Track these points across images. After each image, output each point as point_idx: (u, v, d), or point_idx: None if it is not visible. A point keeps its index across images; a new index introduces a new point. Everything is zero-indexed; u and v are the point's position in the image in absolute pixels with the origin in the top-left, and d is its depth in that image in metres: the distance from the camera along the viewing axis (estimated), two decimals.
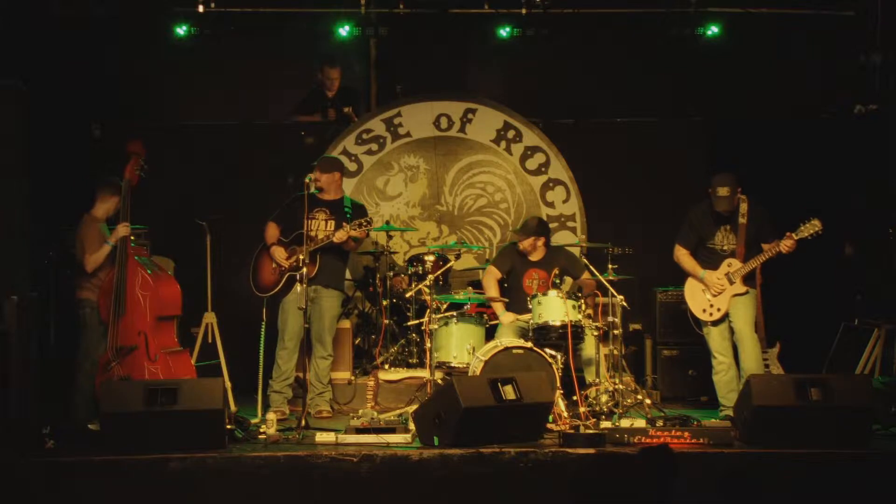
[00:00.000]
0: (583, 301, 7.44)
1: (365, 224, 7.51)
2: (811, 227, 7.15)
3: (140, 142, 7.36)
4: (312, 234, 7.57)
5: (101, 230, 7.32)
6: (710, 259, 7.43)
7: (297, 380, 7.81)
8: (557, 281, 7.57)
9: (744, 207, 7.35)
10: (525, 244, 7.91)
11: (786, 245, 7.18)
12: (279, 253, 7.66)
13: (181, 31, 9.18)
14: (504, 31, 9.39)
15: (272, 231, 7.77)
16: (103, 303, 7.10)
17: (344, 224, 7.52)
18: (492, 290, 7.95)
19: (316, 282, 7.56)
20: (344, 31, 9.33)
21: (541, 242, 7.94)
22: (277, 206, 7.87)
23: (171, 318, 7.23)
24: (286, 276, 7.61)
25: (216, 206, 8.49)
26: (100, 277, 7.26)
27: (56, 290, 7.78)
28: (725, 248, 7.39)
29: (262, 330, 7.78)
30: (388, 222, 9.22)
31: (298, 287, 7.35)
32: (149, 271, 7.11)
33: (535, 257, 7.96)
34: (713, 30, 9.34)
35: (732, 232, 7.38)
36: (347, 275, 9.36)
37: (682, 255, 7.51)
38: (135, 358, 6.95)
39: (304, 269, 7.21)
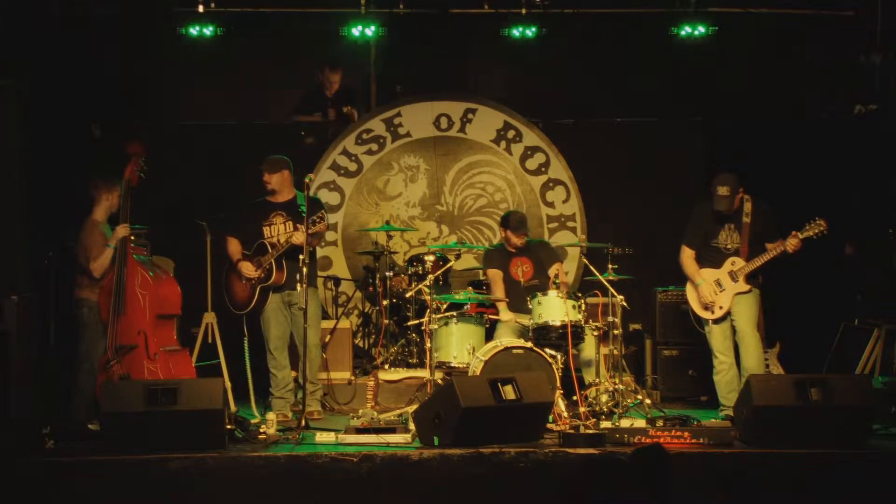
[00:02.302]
0: (555, 284, 7.44)
1: (318, 220, 7.24)
2: (816, 227, 7.15)
3: (140, 142, 7.33)
4: (273, 240, 7.48)
5: (103, 233, 7.31)
6: (714, 258, 7.42)
7: (295, 380, 7.80)
8: (557, 281, 7.57)
9: (748, 206, 7.34)
10: (523, 241, 7.94)
11: (791, 244, 7.18)
12: (247, 268, 7.50)
13: (181, 31, 9.18)
14: (504, 32, 9.39)
15: (234, 246, 7.61)
16: (103, 302, 7.09)
17: (298, 226, 7.34)
18: (500, 291, 7.95)
19: (288, 286, 7.46)
20: (370, 31, 9.30)
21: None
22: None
23: (170, 318, 7.22)
24: (258, 288, 7.49)
25: (216, 206, 8.48)
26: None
27: (56, 290, 7.78)
28: (729, 246, 7.38)
29: (245, 344, 7.70)
30: (388, 222, 9.22)
31: (299, 287, 7.24)
32: (149, 271, 7.10)
33: (515, 249, 8.02)
34: (713, 30, 9.34)
35: (737, 231, 7.37)
36: (347, 275, 9.39)
37: (686, 258, 7.49)
38: (134, 357, 6.94)
39: (305, 270, 7.06)
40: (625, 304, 7.53)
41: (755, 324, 7.35)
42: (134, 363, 6.93)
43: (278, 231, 7.52)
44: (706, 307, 7.38)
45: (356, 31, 9.30)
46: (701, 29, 9.31)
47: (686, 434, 6.39)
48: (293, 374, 7.75)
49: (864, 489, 5.97)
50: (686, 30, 9.31)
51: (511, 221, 8.03)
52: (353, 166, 9.66)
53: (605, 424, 6.66)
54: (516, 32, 9.35)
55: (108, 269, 7.18)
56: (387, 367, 8.35)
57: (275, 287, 7.48)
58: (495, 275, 8.01)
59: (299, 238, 7.25)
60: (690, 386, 8.50)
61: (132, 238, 7.27)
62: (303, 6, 9.49)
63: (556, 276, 7.66)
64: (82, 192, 7.54)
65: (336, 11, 9.39)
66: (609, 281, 7.54)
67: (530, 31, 9.33)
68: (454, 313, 7.71)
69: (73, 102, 8.73)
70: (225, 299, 7.67)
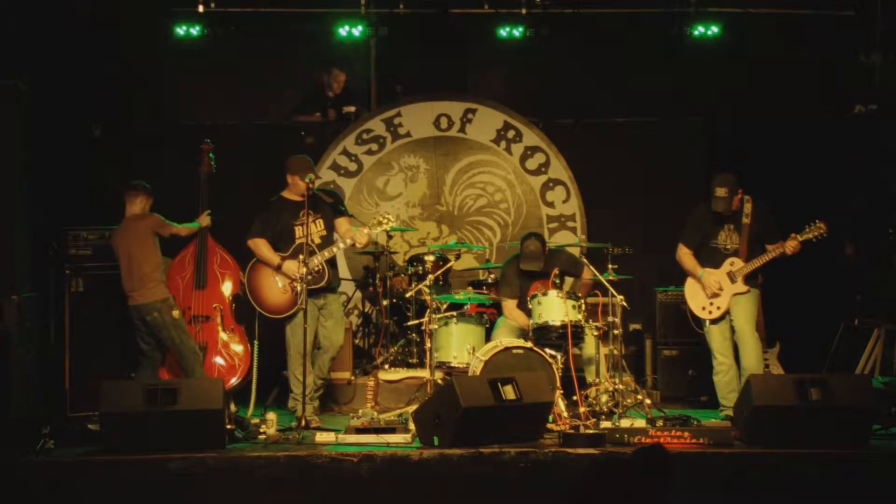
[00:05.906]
0: (582, 301, 7.41)
1: (385, 221, 7.23)
2: (816, 230, 7.15)
3: (208, 142, 7.88)
4: (303, 239, 7.22)
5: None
6: (713, 258, 7.42)
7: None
8: (557, 281, 7.56)
9: (748, 207, 7.34)
10: (537, 266, 7.75)
11: (790, 246, 7.18)
12: (295, 267, 7.17)
13: (181, 31, 9.18)
14: (504, 31, 9.39)
15: (267, 249, 7.32)
16: (176, 276, 7.52)
17: (362, 228, 7.25)
18: (521, 317, 7.78)
19: (327, 289, 7.36)
20: (357, 31, 9.31)
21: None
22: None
23: (236, 297, 7.68)
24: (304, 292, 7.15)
25: (216, 206, 8.47)
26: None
27: (56, 290, 7.78)
28: (728, 247, 7.38)
29: (255, 345, 7.56)
30: None
31: (298, 286, 7.14)
32: (226, 251, 7.67)
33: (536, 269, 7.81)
34: (713, 30, 9.34)
35: (736, 231, 7.37)
36: (347, 275, 9.40)
37: (684, 255, 7.50)
38: (209, 327, 7.51)
39: (305, 270, 7.04)
40: (625, 304, 7.52)
41: (754, 324, 7.35)
42: (210, 334, 7.50)
43: (310, 231, 7.27)
44: (709, 299, 7.33)
45: (356, 31, 9.31)
46: (701, 29, 9.32)
47: (686, 434, 6.39)
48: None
49: (864, 489, 5.97)
50: (686, 30, 9.32)
51: (525, 251, 7.74)
52: (353, 166, 9.66)
53: (605, 424, 6.67)
54: (516, 32, 9.35)
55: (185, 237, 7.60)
56: (387, 367, 8.35)
57: (317, 289, 7.24)
58: (510, 304, 7.84)
59: (362, 240, 7.25)
60: (690, 386, 8.49)
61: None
62: (302, 6, 9.49)
63: (556, 274, 7.62)
64: (82, 192, 7.55)
65: (336, 11, 9.39)
66: (609, 281, 7.53)
67: (530, 32, 9.33)
68: (454, 313, 7.71)
69: (73, 102, 8.73)
70: (254, 304, 7.39)
